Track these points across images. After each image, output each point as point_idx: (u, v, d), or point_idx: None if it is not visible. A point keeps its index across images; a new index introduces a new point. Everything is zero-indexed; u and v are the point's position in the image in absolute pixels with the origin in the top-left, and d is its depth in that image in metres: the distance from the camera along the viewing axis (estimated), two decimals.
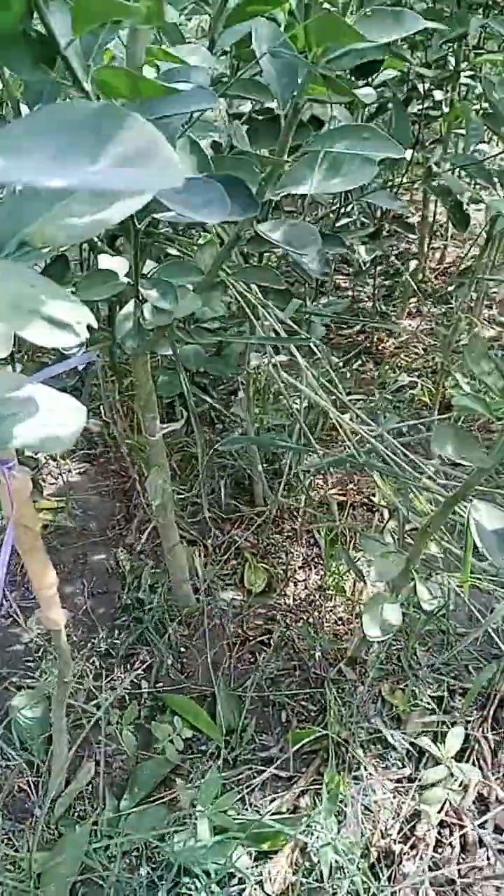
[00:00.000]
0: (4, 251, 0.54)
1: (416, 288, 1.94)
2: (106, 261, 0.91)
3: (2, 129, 0.43)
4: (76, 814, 1.04)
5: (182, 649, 1.24)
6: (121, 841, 0.99)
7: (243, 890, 0.96)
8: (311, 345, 1.07)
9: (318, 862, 0.99)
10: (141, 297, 0.94)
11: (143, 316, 0.95)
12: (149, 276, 0.90)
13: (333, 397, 1.06)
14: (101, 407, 1.53)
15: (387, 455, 0.93)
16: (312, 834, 1.01)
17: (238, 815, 1.01)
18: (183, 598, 1.30)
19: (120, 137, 0.40)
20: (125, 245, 0.95)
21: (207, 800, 0.98)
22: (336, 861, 0.99)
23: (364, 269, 1.75)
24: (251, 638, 1.27)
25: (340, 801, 1.03)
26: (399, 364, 1.92)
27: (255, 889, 0.96)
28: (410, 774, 1.08)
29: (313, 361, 1.43)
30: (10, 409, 0.57)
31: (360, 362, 1.93)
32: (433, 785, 1.01)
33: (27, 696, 1.16)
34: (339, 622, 1.28)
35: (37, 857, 0.99)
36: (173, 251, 1.06)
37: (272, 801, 1.05)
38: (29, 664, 1.22)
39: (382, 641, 1.11)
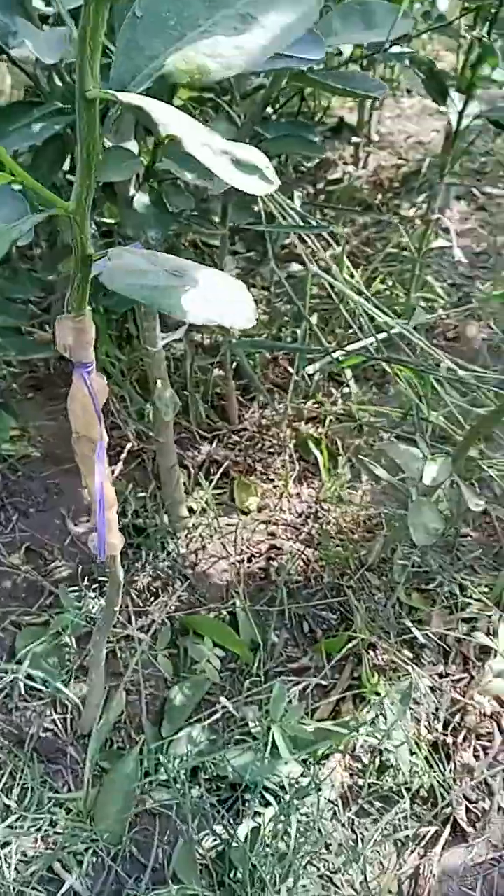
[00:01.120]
0: (135, 86, 0.46)
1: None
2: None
3: None
4: (115, 746, 0.98)
5: (189, 571, 1.19)
6: (173, 765, 0.94)
7: (306, 797, 0.94)
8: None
9: (371, 762, 0.99)
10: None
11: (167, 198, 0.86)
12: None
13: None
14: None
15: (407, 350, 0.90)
16: (360, 737, 1.00)
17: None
18: (180, 520, 1.24)
19: None
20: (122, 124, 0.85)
21: (277, 713, 0.94)
22: (390, 759, 0.99)
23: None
24: (256, 554, 1.23)
25: (380, 702, 1.03)
26: None
27: (316, 796, 0.94)
28: (442, 671, 1.09)
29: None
30: (172, 281, 0.50)
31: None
32: (497, 676, 1.02)
33: (34, 633, 1.07)
34: (342, 532, 1.26)
35: (82, 795, 0.93)
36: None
37: (313, 710, 1.03)
38: (31, 601, 1.14)
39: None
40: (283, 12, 0.46)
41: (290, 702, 1.00)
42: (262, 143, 0.99)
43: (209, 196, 0.99)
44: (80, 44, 0.40)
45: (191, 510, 1.27)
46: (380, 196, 2.13)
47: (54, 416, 1.39)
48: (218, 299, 0.49)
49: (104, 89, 0.42)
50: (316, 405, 1.49)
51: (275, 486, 1.35)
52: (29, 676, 1.02)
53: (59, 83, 0.85)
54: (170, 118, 0.40)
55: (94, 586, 1.15)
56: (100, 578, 1.16)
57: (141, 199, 0.85)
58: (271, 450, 1.42)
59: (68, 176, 0.98)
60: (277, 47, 0.46)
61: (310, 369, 1.33)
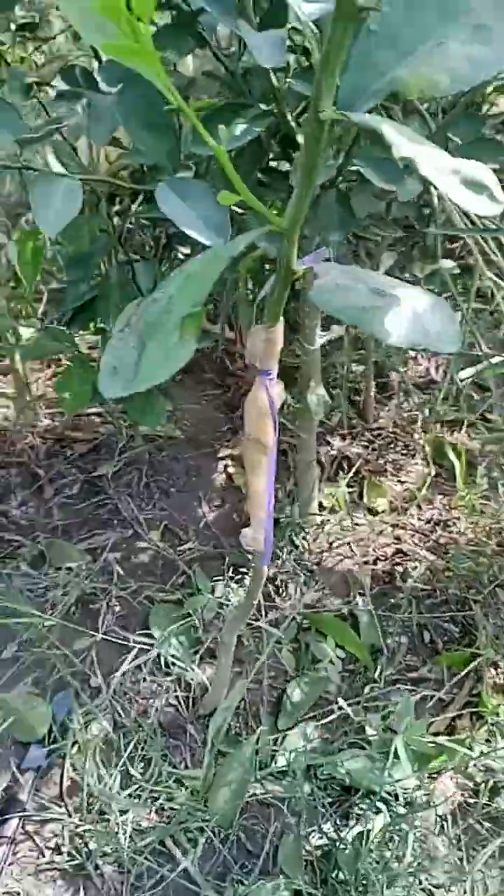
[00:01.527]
0: (359, 106, 0.46)
1: None
2: None
3: None
4: (233, 731, 1.02)
5: (315, 567, 1.21)
6: (288, 759, 0.97)
7: (412, 808, 0.95)
8: None
9: (485, 783, 0.98)
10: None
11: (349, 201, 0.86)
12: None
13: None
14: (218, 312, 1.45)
15: None
16: (475, 755, 1.00)
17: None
18: (310, 516, 1.26)
19: None
20: None
21: (402, 725, 0.96)
22: (501, 783, 0.98)
23: None
24: (382, 557, 1.24)
25: (499, 724, 1.02)
26: None
27: (424, 807, 0.95)
28: None
29: None
30: (376, 301, 0.50)
31: None
32: None
33: (166, 610, 1.12)
34: (472, 543, 1.25)
35: (199, 774, 0.97)
36: None
37: (430, 722, 1.04)
38: (166, 578, 1.19)
39: None
40: None
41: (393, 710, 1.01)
42: (450, 149, 0.97)
43: (392, 199, 0.98)
44: (323, 65, 0.40)
45: (321, 506, 1.28)
46: None
47: (199, 400, 1.43)
48: (422, 320, 0.49)
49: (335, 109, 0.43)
50: (455, 409, 1.47)
51: (406, 489, 1.34)
52: (159, 653, 1.07)
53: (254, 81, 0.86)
54: (402, 140, 0.40)
55: (228, 571, 1.19)
56: (232, 563, 1.20)
57: (327, 202, 0.85)
58: (405, 451, 1.42)
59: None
60: None
61: (462, 374, 1.30)
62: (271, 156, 0.89)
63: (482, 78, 0.45)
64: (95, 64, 0.92)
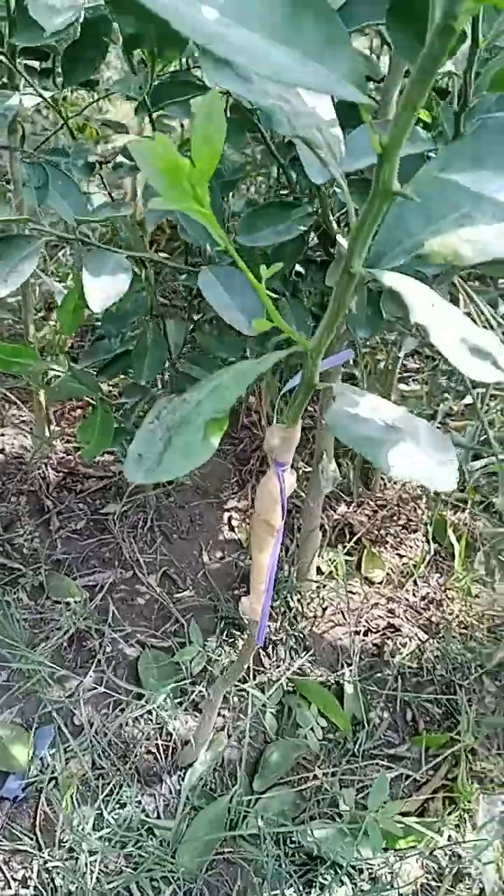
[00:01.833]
0: (387, 261, 0.50)
1: None
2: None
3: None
4: (209, 787, 1.04)
5: (307, 631, 1.23)
6: (258, 820, 0.99)
7: (375, 885, 0.96)
8: None
9: (447, 867, 0.99)
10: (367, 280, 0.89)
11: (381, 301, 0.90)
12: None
13: None
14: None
15: None
16: (443, 840, 1.01)
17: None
18: (307, 580, 1.29)
19: None
20: None
21: (376, 804, 0.97)
22: (466, 869, 0.99)
23: None
24: (373, 629, 1.26)
25: (470, 811, 1.03)
26: None
27: (387, 887, 0.96)
28: None
29: None
30: (389, 435, 0.53)
31: None
32: None
33: (156, 658, 1.14)
34: (463, 626, 1.27)
35: (170, 825, 0.99)
36: None
37: (402, 802, 1.05)
38: (158, 624, 1.21)
39: None
40: None
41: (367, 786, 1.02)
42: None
43: None
44: (357, 230, 0.45)
45: (319, 570, 1.31)
46: None
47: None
48: (425, 458, 0.52)
49: (365, 266, 0.47)
50: (460, 489, 1.50)
51: (404, 563, 1.37)
52: (143, 698, 1.09)
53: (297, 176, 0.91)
54: (421, 306, 0.44)
55: (220, 624, 1.21)
56: (224, 616, 1.22)
57: (358, 301, 0.89)
58: (406, 525, 1.44)
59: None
60: None
61: (472, 465, 1.34)
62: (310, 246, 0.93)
63: (502, 252, 0.49)
64: None
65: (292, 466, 0.74)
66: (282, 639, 1.21)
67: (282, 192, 1.04)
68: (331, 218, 0.81)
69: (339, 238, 0.77)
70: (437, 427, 1.42)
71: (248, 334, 0.57)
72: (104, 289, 0.59)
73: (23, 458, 1.43)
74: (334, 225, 0.82)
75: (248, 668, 1.15)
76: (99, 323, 1.17)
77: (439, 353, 0.46)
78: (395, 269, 0.51)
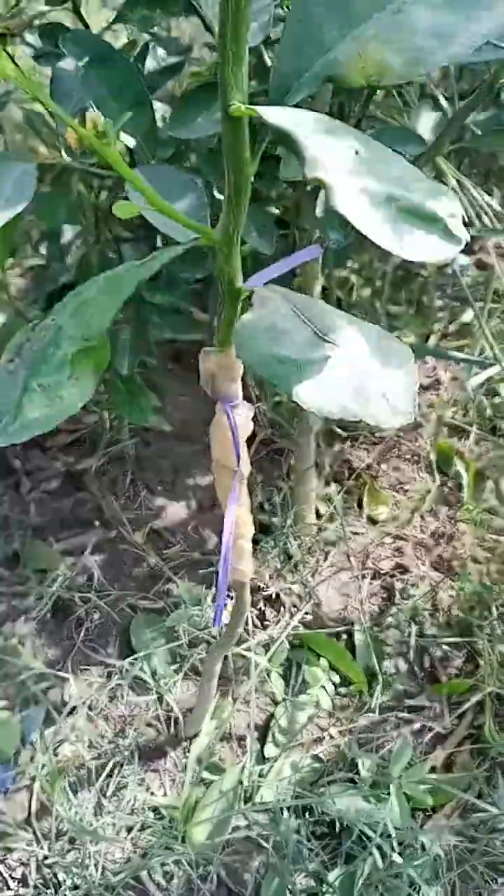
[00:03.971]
0: (295, 93, 0.37)
1: None
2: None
3: None
4: (218, 757, 0.95)
5: (309, 580, 1.13)
6: (273, 792, 0.91)
7: (406, 849, 0.88)
8: None
9: (483, 823, 0.92)
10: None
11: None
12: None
13: None
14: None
15: None
16: (474, 794, 0.93)
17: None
18: (307, 524, 1.18)
19: None
20: None
21: (397, 768, 0.89)
22: (502, 824, 0.92)
23: None
24: (381, 571, 1.17)
25: (501, 762, 0.96)
26: None
27: (417, 850, 0.89)
28: None
29: None
30: (312, 353, 0.40)
31: None
32: None
33: (148, 621, 1.05)
34: (477, 561, 1.18)
35: (178, 803, 0.90)
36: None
37: (424, 755, 0.97)
38: (149, 585, 1.11)
39: None
40: None
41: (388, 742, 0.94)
42: (464, 140, 0.88)
43: None
44: (221, 46, 0.32)
45: (317, 513, 1.21)
46: None
47: (190, 391, 1.35)
48: (364, 384, 0.39)
49: (256, 101, 0.34)
50: (463, 413, 1.39)
51: (409, 498, 1.27)
52: (138, 667, 1.00)
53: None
54: (321, 152, 0.31)
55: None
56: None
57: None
58: (409, 458, 1.34)
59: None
60: (498, 33, 0.35)
61: (473, 381, 1.23)
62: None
63: (446, 60, 0.35)
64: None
65: (254, 399, 0.62)
66: (285, 589, 1.11)
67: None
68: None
69: None
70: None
71: (182, 241, 0.44)
72: (5, 200, 0.47)
73: None
74: None
75: (248, 624, 1.06)
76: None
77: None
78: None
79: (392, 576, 1.16)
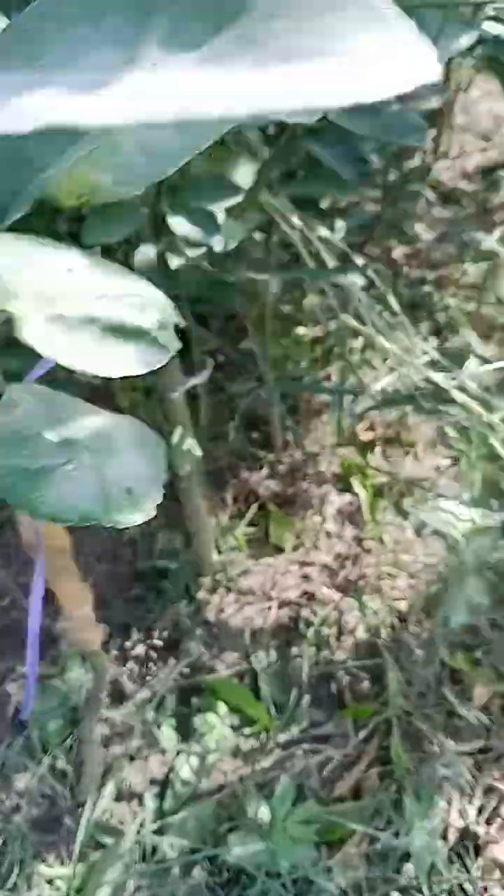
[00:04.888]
0: (7, 216, 0.36)
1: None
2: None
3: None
4: (116, 818, 0.92)
5: (210, 619, 1.11)
6: (171, 844, 0.87)
7: (311, 887, 0.84)
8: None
9: (391, 851, 0.88)
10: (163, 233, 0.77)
11: (173, 253, 0.77)
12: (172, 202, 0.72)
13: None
14: None
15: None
16: (383, 820, 0.90)
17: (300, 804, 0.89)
18: (206, 561, 1.16)
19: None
20: None
21: (282, 810, 0.85)
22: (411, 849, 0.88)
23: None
24: (286, 601, 1.14)
25: (409, 780, 0.92)
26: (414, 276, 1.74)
27: (326, 885, 0.85)
28: (483, 746, 0.96)
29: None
30: (54, 457, 0.39)
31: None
32: None
33: (38, 687, 1.02)
34: (382, 577, 1.15)
35: (76, 871, 0.87)
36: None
37: (332, 783, 0.93)
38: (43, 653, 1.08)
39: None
40: None
41: (302, 786, 0.91)
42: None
43: None
44: None
45: (218, 550, 1.18)
46: (463, 184, 1.96)
47: None
48: (111, 482, 0.38)
49: None
50: (368, 429, 1.37)
51: (314, 522, 1.25)
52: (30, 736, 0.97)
53: None
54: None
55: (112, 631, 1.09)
56: (117, 622, 1.10)
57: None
58: (315, 480, 1.32)
59: None
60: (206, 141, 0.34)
61: (358, 409, 1.22)
62: None
63: (156, 175, 0.34)
64: None
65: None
66: (183, 632, 1.08)
67: None
68: None
69: None
70: None
71: None
72: None
73: None
74: None
75: (138, 673, 1.03)
76: None
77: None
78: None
79: (298, 604, 1.13)
